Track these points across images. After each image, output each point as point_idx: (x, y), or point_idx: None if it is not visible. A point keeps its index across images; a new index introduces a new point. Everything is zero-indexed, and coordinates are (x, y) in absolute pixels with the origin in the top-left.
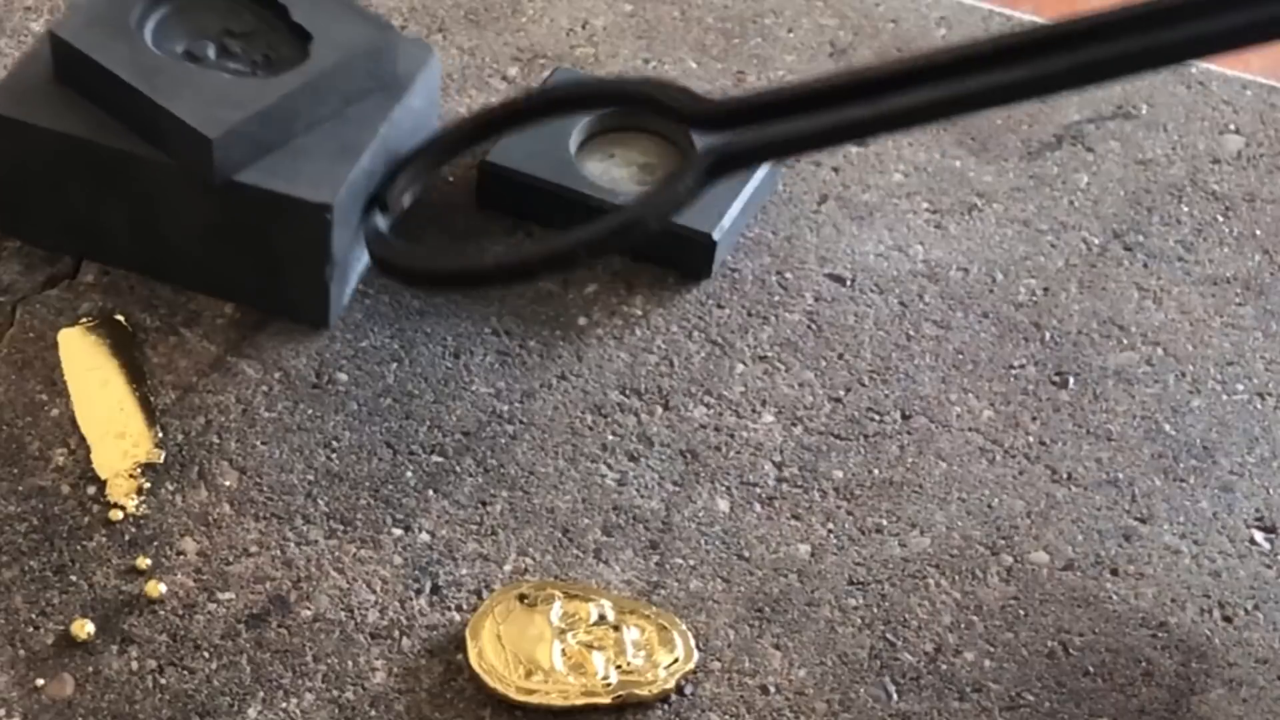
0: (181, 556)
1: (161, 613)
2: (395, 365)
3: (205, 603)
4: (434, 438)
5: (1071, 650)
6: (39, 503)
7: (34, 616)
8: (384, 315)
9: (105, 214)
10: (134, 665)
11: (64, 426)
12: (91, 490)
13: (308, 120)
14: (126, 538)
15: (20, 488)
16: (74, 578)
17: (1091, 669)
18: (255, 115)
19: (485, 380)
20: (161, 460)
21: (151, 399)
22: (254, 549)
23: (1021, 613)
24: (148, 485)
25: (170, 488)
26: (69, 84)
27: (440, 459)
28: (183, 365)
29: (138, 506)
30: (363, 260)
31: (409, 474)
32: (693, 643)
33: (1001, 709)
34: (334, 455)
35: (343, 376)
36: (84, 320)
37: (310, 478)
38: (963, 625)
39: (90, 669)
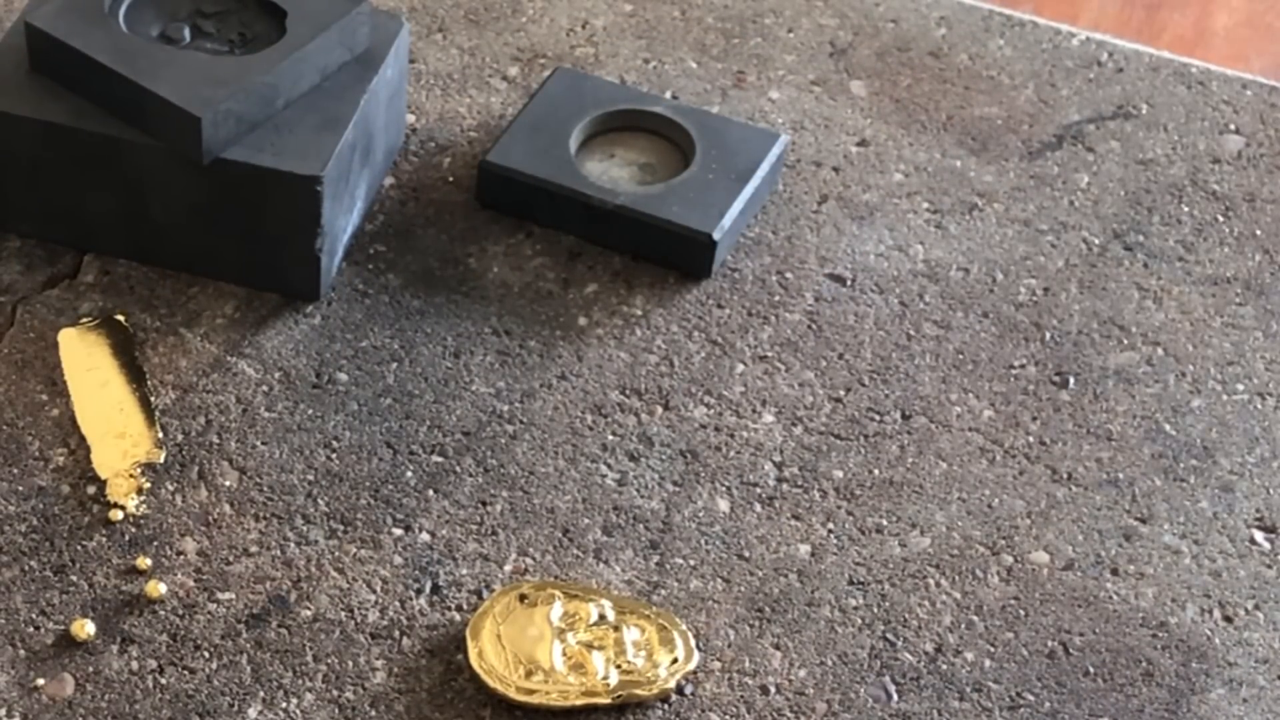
0: (181, 556)
1: (161, 613)
2: (395, 365)
3: (205, 603)
4: (434, 438)
5: (1071, 650)
6: (39, 503)
7: (34, 616)
8: (384, 315)
9: (93, 200)
10: (134, 665)
11: (64, 426)
12: (91, 490)
13: (288, 95)
14: (126, 538)
15: (20, 488)
16: (74, 578)
17: (1091, 669)
18: (240, 92)
19: (485, 380)
20: (161, 460)
21: (151, 399)
22: (254, 549)
23: (1021, 613)
24: (148, 485)
25: (170, 488)
26: (46, 73)
27: (440, 459)
28: (183, 365)
29: (138, 506)
30: (349, 231)
31: (409, 474)
32: (693, 643)
33: (1002, 709)
34: (334, 455)
35: (343, 376)
36: (84, 320)
37: (310, 478)
38: (963, 625)
39: (90, 669)
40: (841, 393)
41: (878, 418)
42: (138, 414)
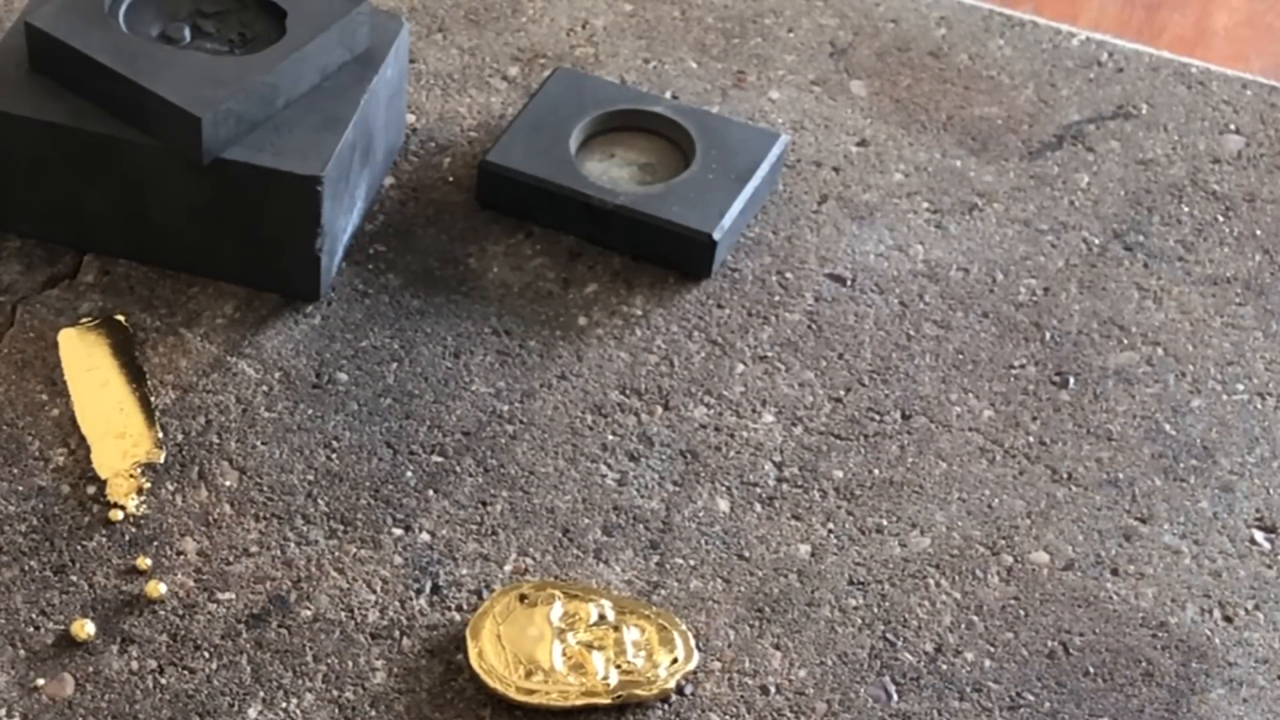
0: (181, 556)
1: (161, 613)
2: (395, 365)
3: (205, 603)
4: (434, 438)
5: (1071, 650)
6: (39, 503)
7: (34, 616)
8: (384, 315)
9: (91, 200)
10: (134, 665)
11: (64, 426)
12: (91, 490)
13: (288, 95)
14: (126, 538)
15: (20, 488)
16: (74, 578)
17: (1091, 669)
18: (240, 92)
19: (485, 380)
20: (161, 460)
21: (151, 399)
22: (254, 549)
23: (1021, 613)
24: (148, 485)
25: (170, 488)
26: (46, 73)
27: (440, 459)
28: (183, 365)
29: (138, 507)
30: (349, 231)
31: (409, 474)
32: (693, 643)
33: (1002, 709)
34: (334, 455)
35: (343, 376)
36: (84, 320)
37: (310, 478)
38: (963, 625)
39: (90, 669)
40: (841, 393)
41: (878, 418)
42: (138, 414)
